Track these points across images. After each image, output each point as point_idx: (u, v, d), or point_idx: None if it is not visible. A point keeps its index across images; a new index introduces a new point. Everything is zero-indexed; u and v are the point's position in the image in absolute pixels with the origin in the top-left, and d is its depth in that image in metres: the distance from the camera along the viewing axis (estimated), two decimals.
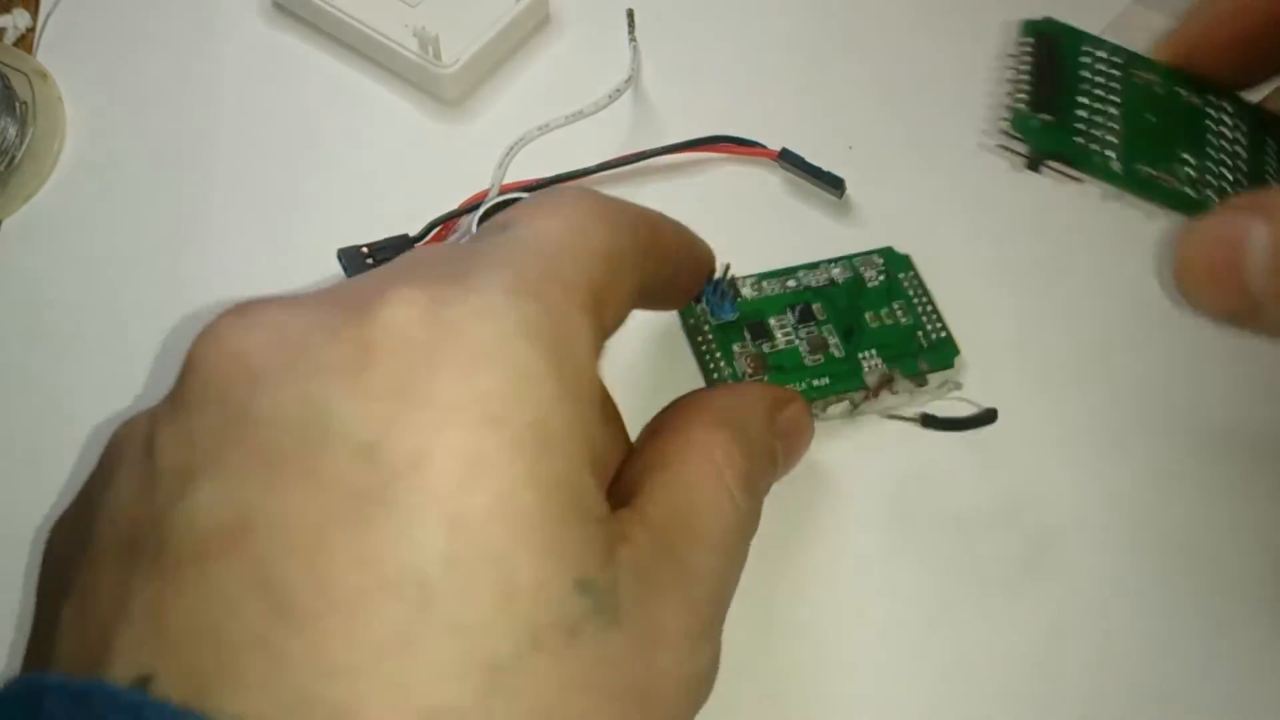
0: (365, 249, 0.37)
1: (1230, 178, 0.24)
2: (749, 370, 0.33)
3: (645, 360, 0.35)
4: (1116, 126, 0.24)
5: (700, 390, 0.25)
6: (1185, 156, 0.24)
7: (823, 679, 0.31)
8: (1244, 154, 0.25)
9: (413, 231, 0.38)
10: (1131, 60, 0.27)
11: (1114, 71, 0.26)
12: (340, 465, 0.16)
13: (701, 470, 0.21)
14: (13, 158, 0.40)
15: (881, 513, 0.33)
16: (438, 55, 0.40)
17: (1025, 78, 0.25)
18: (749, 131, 0.39)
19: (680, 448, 0.22)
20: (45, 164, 0.41)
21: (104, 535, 0.17)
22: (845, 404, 0.34)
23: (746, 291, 0.35)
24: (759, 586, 0.31)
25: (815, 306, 0.35)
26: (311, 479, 0.16)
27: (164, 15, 0.44)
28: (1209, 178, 0.24)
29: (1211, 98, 0.26)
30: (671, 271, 0.24)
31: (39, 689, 0.14)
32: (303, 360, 0.17)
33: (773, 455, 0.24)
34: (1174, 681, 0.31)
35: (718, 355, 0.33)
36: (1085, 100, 0.25)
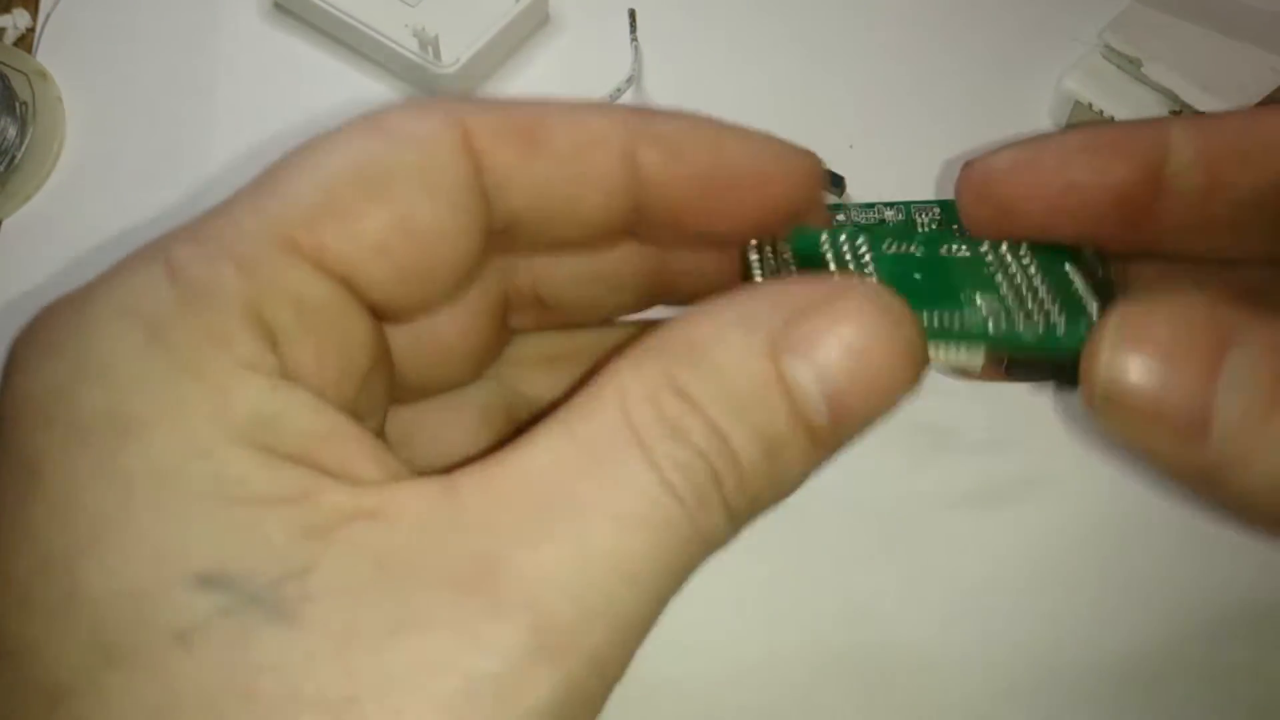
0: None
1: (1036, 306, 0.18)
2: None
3: None
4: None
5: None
6: (973, 297, 0.18)
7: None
8: (1044, 285, 0.18)
9: None
10: (886, 231, 0.20)
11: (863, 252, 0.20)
12: None
13: (602, 423, 0.15)
14: (13, 158, 0.40)
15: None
16: (438, 55, 0.40)
17: None
18: None
19: (592, 387, 0.15)
20: (45, 164, 0.41)
21: None
22: None
23: None
24: None
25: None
26: None
27: (164, 15, 0.44)
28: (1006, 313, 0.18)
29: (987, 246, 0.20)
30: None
31: None
32: None
33: (770, 407, 0.15)
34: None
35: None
36: None
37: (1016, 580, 0.33)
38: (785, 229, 0.19)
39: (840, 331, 0.15)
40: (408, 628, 0.13)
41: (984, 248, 0.19)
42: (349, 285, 0.16)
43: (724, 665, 0.31)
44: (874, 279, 0.18)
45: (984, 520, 0.33)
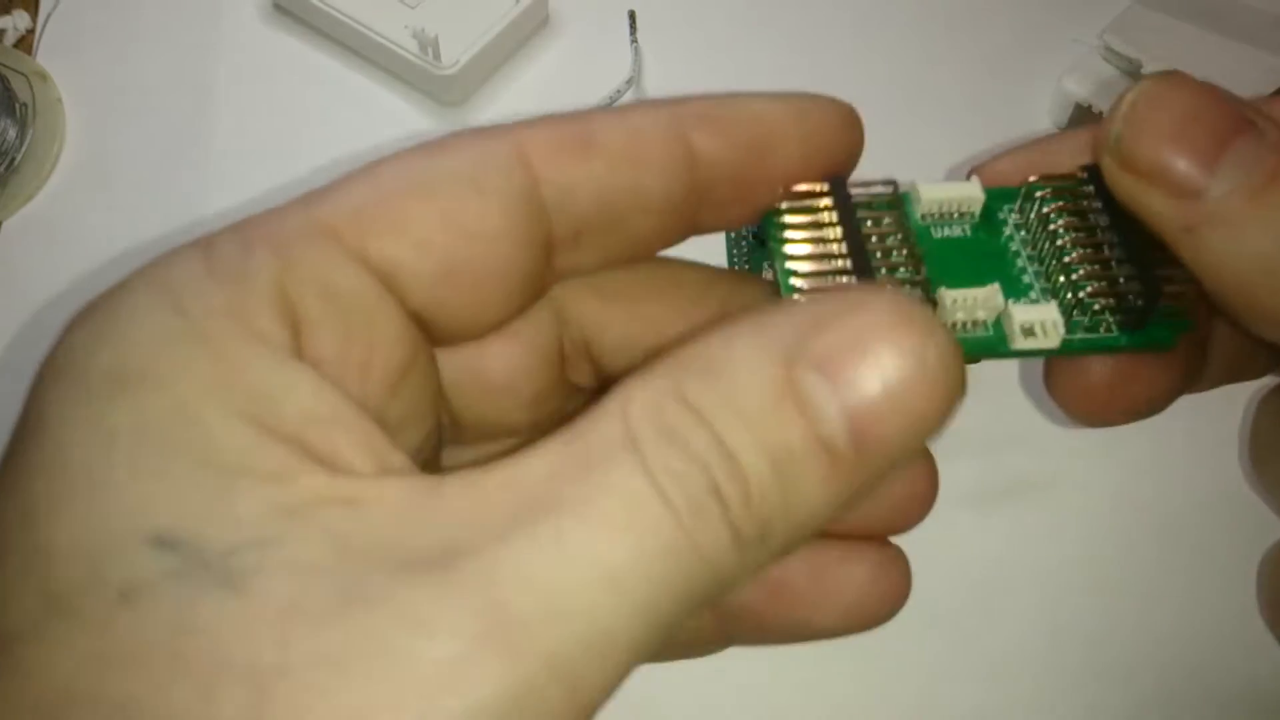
0: None
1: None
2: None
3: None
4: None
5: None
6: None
7: None
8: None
9: None
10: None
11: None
12: None
13: (600, 432, 0.14)
14: (12, 159, 0.40)
15: None
16: (437, 56, 0.40)
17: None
18: None
19: (601, 401, 0.14)
20: (45, 165, 0.41)
21: None
22: None
23: None
24: None
25: None
26: None
27: (164, 17, 0.44)
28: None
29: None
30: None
31: None
32: None
33: (780, 421, 0.14)
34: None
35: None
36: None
37: (1016, 580, 0.33)
38: (844, 169, 0.20)
39: (858, 343, 0.14)
40: (353, 606, 0.13)
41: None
42: (390, 283, 0.16)
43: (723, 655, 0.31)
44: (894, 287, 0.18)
45: (984, 520, 0.33)
